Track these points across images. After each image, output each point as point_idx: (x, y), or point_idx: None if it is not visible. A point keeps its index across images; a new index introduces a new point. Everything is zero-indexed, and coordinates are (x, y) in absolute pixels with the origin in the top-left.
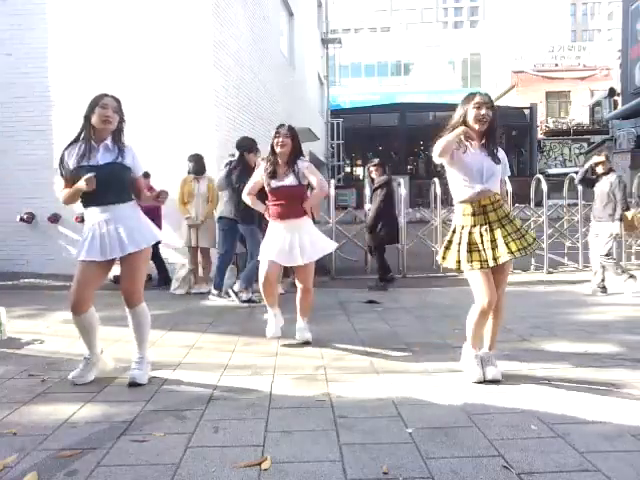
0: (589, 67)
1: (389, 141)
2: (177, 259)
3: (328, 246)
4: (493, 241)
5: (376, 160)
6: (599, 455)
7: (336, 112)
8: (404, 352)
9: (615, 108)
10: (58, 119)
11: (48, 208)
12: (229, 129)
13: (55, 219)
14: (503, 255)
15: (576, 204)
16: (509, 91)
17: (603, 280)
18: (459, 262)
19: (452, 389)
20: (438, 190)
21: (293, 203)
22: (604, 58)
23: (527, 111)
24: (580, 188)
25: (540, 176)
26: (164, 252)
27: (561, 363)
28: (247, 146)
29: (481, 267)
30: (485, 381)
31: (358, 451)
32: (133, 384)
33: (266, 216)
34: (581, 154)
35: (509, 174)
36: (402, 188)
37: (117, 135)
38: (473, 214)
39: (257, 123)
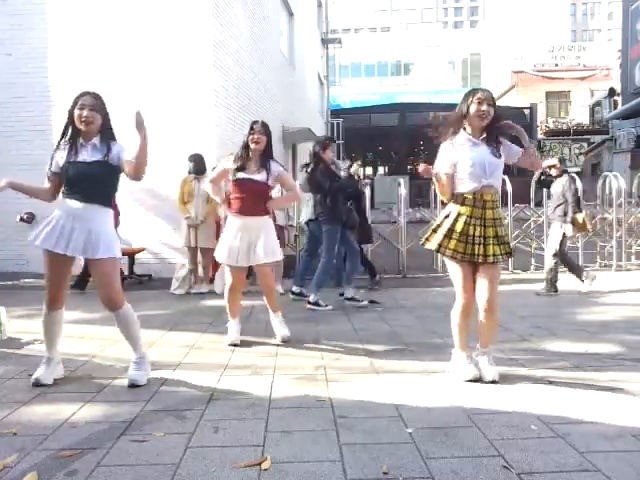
0: (589, 67)
1: (389, 141)
2: (177, 259)
3: (277, 253)
4: (486, 238)
5: (348, 162)
6: (599, 455)
7: (336, 112)
8: (404, 352)
9: (615, 108)
10: (58, 119)
11: (48, 208)
12: (229, 129)
13: None
14: (493, 254)
15: None
16: (509, 91)
17: (552, 280)
18: (440, 246)
19: (452, 389)
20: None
21: (255, 199)
22: (604, 58)
23: (527, 111)
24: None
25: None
26: (164, 252)
27: (561, 363)
28: (322, 144)
29: (462, 259)
30: (481, 381)
31: (358, 451)
32: (132, 385)
33: (224, 209)
34: (581, 154)
35: (519, 153)
36: (402, 188)
37: (107, 134)
38: (473, 205)
39: None
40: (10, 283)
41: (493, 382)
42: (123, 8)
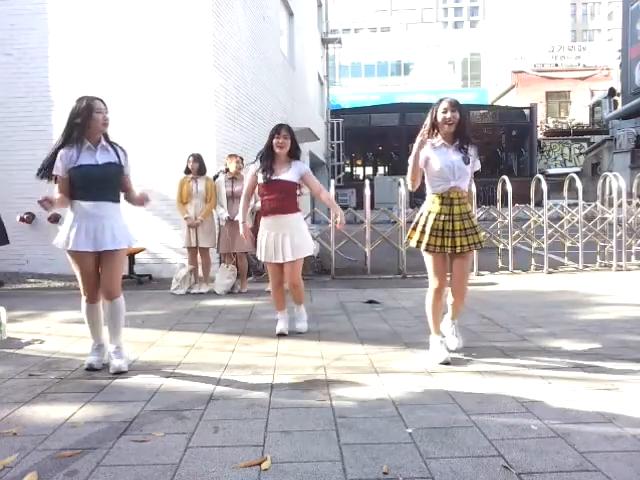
0: (589, 67)
1: (389, 141)
2: (177, 259)
3: (309, 248)
4: (454, 231)
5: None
6: (599, 455)
7: (336, 112)
8: (404, 352)
9: (615, 108)
10: (58, 119)
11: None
12: (229, 129)
13: (55, 219)
14: (461, 244)
15: (576, 204)
16: (509, 91)
17: None
18: (420, 242)
19: (452, 389)
20: None
21: (285, 198)
22: (604, 58)
23: (527, 111)
24: (580, 187)
25: (540, 176)
26: (164, 252)
27: (561, 363)
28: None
29: (434, 250)
30: (448, 361)
31: (358, 451)
32: (118, 372)
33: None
34: (581, 154)
35: (479, 168)
36: (402, 188)
37: (106, 136)
38: (441, 203)
39: (257, 123)
40: (10, 283)
41: (455, 351)
42: (123, 8)
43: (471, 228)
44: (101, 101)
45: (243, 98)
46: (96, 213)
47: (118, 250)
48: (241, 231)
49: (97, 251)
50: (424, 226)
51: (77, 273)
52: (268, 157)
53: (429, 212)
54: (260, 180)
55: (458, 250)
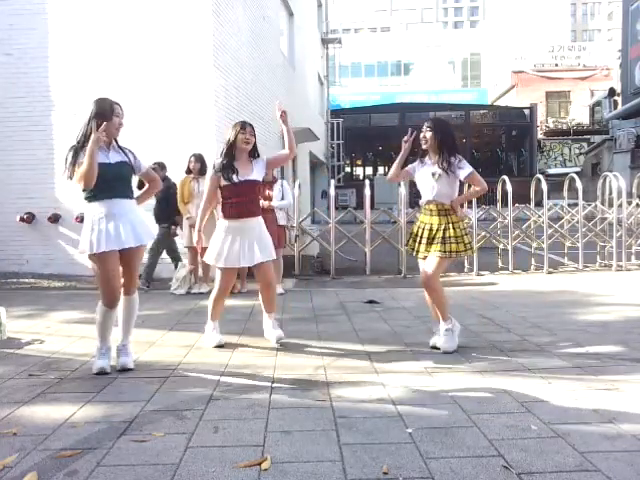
0: (589, 67)
1: (389, 141)
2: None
3: (273, 250)
4: (428, 238)
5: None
6: (599, 455)
7: (336, 112)
8: (404, 352)
9: (615, 108)
10: (58, 119)
11: (48, 208)
12: (229, 129)
13: (55, 219)
14: (426, 251)
15: (576, 204)
16: (509, 91)
17: None
18: (411, 248)
19: (452, 389)
20: None
21: (254, 200)
22: (604, 58)
23: (527, 111)
24: (580, 188)
25: (540, 176)
26: (164, 252)
27: (561, 363)
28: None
29: (413, 254)
30: (433, 347)
31: (358, 451)
32: (124, 369)
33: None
34: (581, 154)
35: (469, 172)
36: (402, 188)
37: (116, 140)
38: (423, 213)
39: (257, 123)
40: (10, 283)
41: (436, 348)
42: (123, 8)
43: (455, 237)
44: (120, 106)
45: (243, 98)
46: (114, 211)
47: (139, 246)
48: (194, 240)
49: (121, 249)
50: (411, 233)
51: (102, 276)
52: (229, 155)
53: (417, 220)
54: (224, 182)
55: (422, 256)
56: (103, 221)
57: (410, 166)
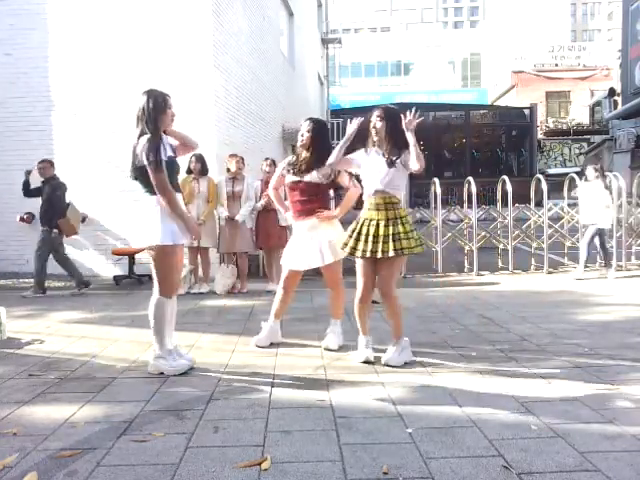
0: (589, 67)
1: None
2: None
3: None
4: (378, 236)
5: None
6: (599, 455)
7: (336, 112)
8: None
9: (615, 108)
10: (58, 119)
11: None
12: (229, 129)
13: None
14: (382, 251)
15: (576, 204)
16: (509, 91)
17: None
18: (345, 245)
19: (452, 389)
20: (438, 190)
21: (310, 200)
22: (604, 58)
23: (527, 111)
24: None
25: (540, 176)
26: None
27: (561, 363)
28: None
29: (357, 255)
30: (369, 362)
31: (358, 451)
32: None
33: (289, 216)
34: (581, 154)
35: (415, 168)
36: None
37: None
38: (369, 209)
39: (257, 123)
40: (10, 283)
41: (386, 365)
42: (123, 8)
43: (404, 233)
44: (169, 97)
45: (243, 98)
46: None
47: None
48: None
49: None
50: (353, 231)
51: (172, 267)
52: (296, 157)
53: (361, 217)
54: (286, 181)
55: (378, 255)
56: (168, 215)
57: (354, 154)
